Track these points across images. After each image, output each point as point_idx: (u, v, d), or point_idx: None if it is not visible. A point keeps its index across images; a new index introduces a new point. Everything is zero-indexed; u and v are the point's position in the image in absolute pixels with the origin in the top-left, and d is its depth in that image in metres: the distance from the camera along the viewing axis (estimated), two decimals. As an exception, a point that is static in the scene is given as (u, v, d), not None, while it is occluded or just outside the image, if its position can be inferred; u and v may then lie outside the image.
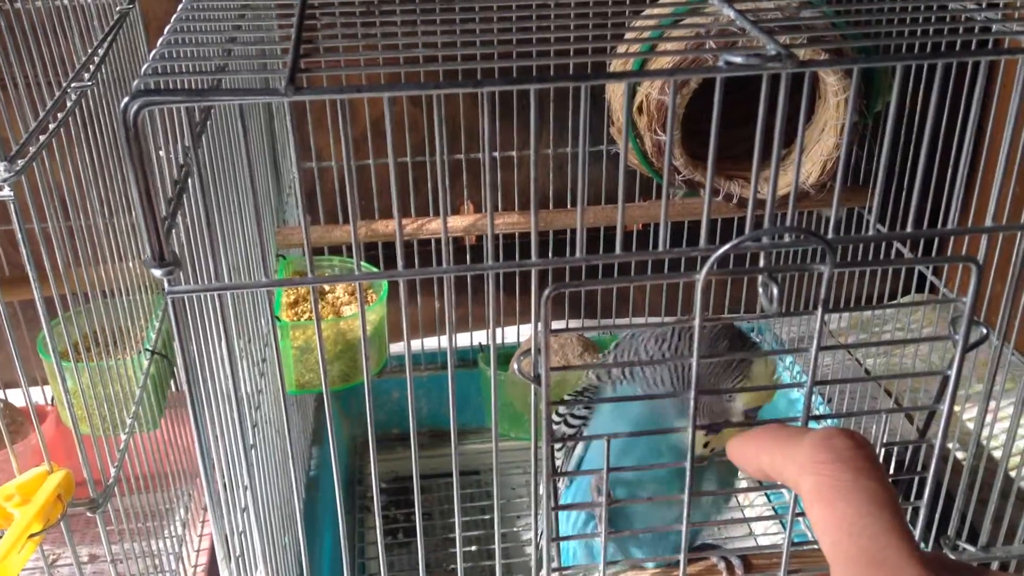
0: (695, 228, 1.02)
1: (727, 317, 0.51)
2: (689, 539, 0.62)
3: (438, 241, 1.03)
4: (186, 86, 0.41)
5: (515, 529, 1.11)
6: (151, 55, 0.41)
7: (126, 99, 0.36)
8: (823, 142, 0.81)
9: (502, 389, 1.04)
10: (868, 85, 0.85)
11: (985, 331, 0.48)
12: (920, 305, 0.56)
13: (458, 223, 0.95)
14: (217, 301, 0.41)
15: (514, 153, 1.06)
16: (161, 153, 0.47)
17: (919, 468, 0.53)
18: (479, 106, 1.04)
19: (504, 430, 1.07)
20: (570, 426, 0.59)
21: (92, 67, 0.65)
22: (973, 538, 0.59)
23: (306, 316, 0.85)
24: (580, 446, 0.58)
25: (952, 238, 1.04)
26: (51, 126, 0.57)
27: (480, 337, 1.25)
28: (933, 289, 0.95)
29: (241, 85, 0.40)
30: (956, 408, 0.47)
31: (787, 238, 0.44)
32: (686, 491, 0.48)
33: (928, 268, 0.98)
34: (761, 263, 0.45)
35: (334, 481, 0.51)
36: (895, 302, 1.07)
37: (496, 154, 1.05)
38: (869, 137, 0.91)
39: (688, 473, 0.47)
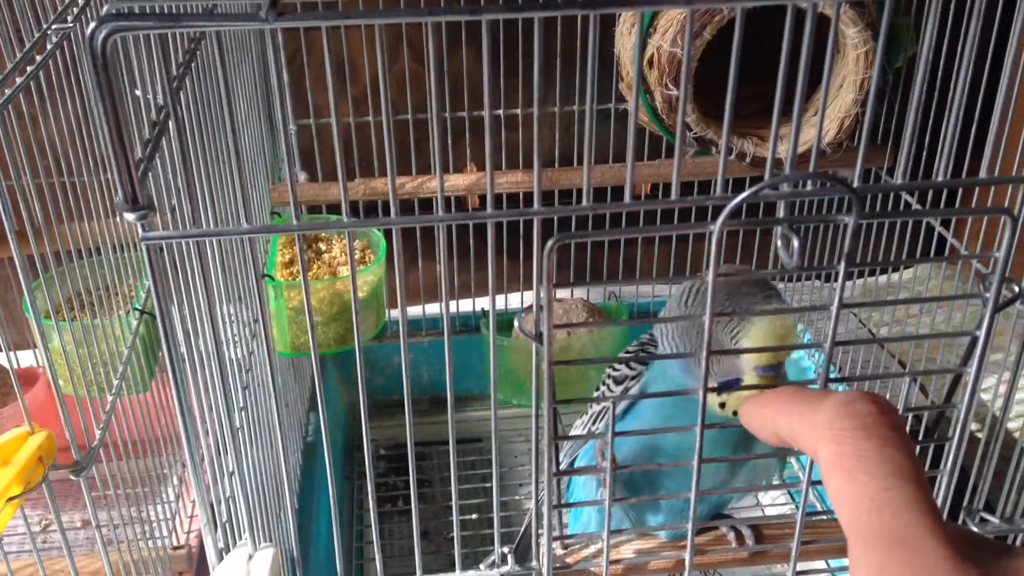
0: (706, 189, 0.99)
1: (741, 269, 0.48)
2: (714, 507, 0.59)
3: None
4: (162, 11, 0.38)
5: (517, 497, 1.10)
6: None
7: (93, 24, 0.33)
8: (841, 98, 0.77)
9: (505, 355, 1.02)
10: (888, 39, 0.82)
11: (1018, 289, 0.45)
12: (951, 260, 0.53)
13: (460, 181, 0.91)
14: (196, 249, 0.38)
15: (519, 111, 1.02)
16: (139, 93, 0.44)
17: (935, 436, 0.51)
18: (482, 59, 1.00)
19: (507, 397, 1.04)
20: (617, 384, 0.57)
21: (76, 9, 0.61)
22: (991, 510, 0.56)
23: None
24: (620, 407, 0.56)
25: (976, 192, 1.00)
26: (29, 68, 0.54)
27: (483, 303, 1.22)
28: (952, 250, 0.92)
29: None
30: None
31: (809, 186, 0.41)
32: (696, 457, 0.46)
33: (944, 226, 0.95)
34: (780, 213, 0.42)
35: (330, 447, 0.48)
36: (920, 258, 1.04)
37: (500, 112, 1.01)
38: (889, 93, 0.87)
39: (698, 437, 0.45)
